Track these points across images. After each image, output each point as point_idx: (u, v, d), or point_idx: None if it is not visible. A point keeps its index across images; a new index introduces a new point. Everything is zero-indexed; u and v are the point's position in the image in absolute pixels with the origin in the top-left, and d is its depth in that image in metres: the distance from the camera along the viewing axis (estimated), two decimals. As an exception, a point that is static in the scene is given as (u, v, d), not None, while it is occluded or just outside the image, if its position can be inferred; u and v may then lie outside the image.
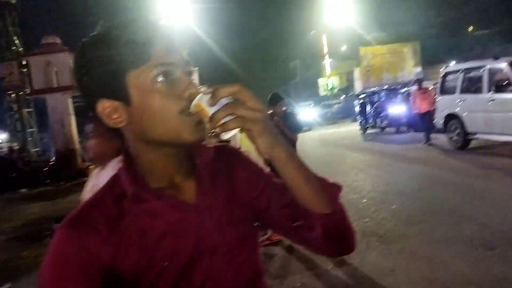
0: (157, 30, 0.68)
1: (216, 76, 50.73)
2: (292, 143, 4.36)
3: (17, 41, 15.16)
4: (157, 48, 0.66)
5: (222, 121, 0.60)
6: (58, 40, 13.77)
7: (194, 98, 0.64)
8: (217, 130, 0.61)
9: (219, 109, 0.60)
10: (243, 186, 0.81)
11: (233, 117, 0.60)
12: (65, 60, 12.84)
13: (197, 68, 14.80)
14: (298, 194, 0.71)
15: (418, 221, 4.41)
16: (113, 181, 0.73)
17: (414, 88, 10.33)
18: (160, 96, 0.66)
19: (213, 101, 0.61)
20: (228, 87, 0.62)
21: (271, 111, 4.40)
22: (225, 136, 0.61)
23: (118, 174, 0.74)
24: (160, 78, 0.65)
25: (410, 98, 10.40)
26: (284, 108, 4.55)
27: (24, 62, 14.33)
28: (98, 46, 0.66)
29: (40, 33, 14.85)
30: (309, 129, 21.36)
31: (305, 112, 22.92)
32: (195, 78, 14.22)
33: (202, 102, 0.61)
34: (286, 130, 4.37)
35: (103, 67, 0.65)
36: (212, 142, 0.85)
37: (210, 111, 0.61)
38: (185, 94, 0.66)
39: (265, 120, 0.63)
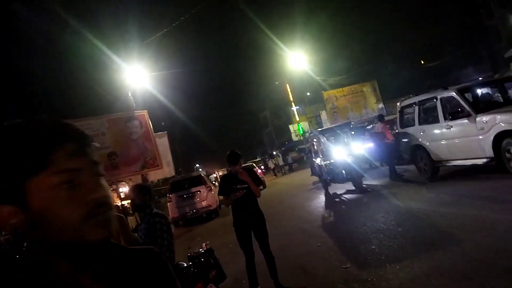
0: (58, 134, 0.66)
1: (189, 136, 51.04)
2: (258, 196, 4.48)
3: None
4: (57, 154, 0.64)
5: None
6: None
7: (100, 201, 0.66)
8: None
9: None
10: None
11: None
12: None
13: (165, 132, 14.91)
14: None
15: (397, 258, 4.36)
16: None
17: (378, 123, 10.83)
18: (61, 204, 0.64)
19: None
20: None
21: (230, 170, 4.43)
22: None
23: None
24: (61, 185, 0.64)
25: (376, 132, 10.85)
26: (243, 165, 4.61)
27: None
28: None
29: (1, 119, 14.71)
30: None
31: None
32: (164, 142, 14.31)
33: None
34: (254, 186, 4.38)
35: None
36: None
37: None
38: (88, 199, 0.66)
39: None
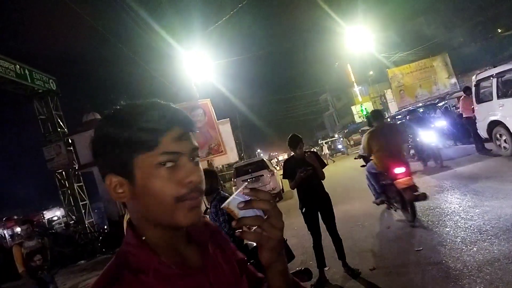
0: (168, 118, 0.72)
1: (250, 122, 51.80)
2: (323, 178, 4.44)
3: (61, 123, 16.50)
4: (166, 136, 0.70)
5: (245, 228, 0.70)
6: (97, 116, 14.87)
7: (195, 185, 0.72)
8: (237, 233, 0.71)
9: (248, 218, 0.70)
10: (228, 253, 0.89)
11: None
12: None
13: (228, 119, 15.26)
14: None
15: (475, 240, 4.11)
16: (124, 257, 0.73)
17: (463, 95, 10.48)
18: (160, 181, 0.69)
19: (246, 207, 0.70)
20: (263, 202, 0.70)
21: (293, 154, 4.45)
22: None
23: (127, 249, 0.74)
24: (163, 165, 0.70)
25: (459, 105, 10.50)
26: (304, 150, 4.57)
27: (69, 141, 15.55)
28: (111, 125, 0.71)
29: (81, 112, 16.26)
30: None
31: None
32: (227, 129, 14.67)
33: (233, 205, 0.70)
34: (319, 169, 4.37)
35: (114, 146, 0.70)
36: None
37: (239, 214, 0.70)
38: (186, 181, 0.71)
39: (280, 239, 0.73)
